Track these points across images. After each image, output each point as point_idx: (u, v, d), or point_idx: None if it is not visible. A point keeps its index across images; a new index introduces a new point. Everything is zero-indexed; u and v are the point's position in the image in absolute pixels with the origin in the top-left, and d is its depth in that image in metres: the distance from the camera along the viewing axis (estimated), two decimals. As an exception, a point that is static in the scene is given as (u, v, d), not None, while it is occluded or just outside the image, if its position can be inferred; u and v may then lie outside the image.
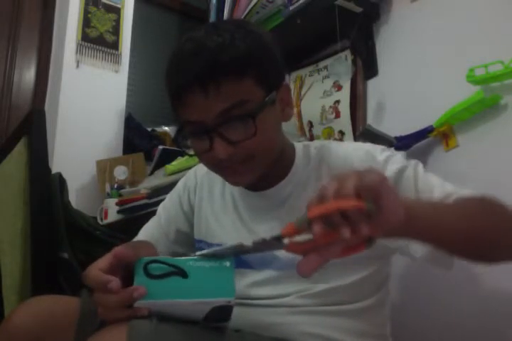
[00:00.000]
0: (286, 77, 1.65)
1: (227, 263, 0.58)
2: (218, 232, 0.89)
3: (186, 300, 0.57)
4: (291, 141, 0.89)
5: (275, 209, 0.83)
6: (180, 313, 0.61)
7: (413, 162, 0.82)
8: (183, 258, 0.60)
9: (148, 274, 0.57)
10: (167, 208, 1.01)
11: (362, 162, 0.80)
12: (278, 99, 0.79)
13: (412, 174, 0.78)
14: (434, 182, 0.77)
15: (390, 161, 0.80)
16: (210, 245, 0.89)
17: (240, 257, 0.78)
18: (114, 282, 0.59)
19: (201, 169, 0.99)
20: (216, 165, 0.79)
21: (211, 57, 0.71)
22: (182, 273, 0.57)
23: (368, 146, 0.85)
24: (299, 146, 0.88)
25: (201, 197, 0.95)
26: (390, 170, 0.78)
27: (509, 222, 0.67)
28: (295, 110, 1.60)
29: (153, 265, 0.57)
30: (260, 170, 0.79)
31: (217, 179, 0.93)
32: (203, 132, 0.74)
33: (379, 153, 0.82)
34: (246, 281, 0.82)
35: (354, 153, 0.82)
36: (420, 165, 0.82)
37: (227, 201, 0.90)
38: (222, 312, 0.60)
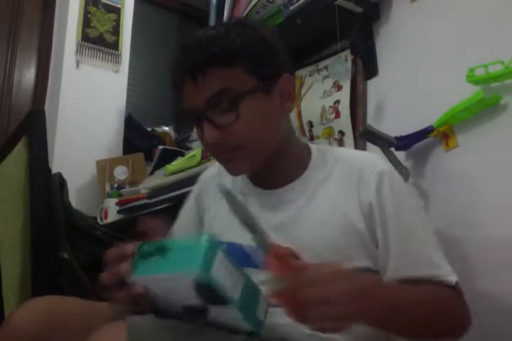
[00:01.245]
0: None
1: (204, 241, 0.61)
2: (227, 231, 0.89)
3: (162, 274, 0.61)
4: (305, 144, 0.90)
5: (282, 208, 0.84)
6: (175, 298, 0.64)
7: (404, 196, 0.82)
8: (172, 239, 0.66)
9: (140, 255, 0.64)
10: (180, 216, 1.02)
11: (360, 174, 0.81)
12: (277, 91, 0.80)
13: (393, 218, 0.78)
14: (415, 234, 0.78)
15: (381, 190, 0.80)
16: None
17: (247, 257, 0.80)
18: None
19: (208, 173, 1.01)
20: (213, 152, 0.83)
21: (201, 47, 0.76)
22: (164, 252, 0.62)
23: (368, 161, 0.85)
24: (315, 150, 0.88)
25: (209, 201, 0.96)
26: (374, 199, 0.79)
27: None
28: (295, 110, 1.60)
29: (145, 246, 0.64)
30: (254, 160, 0.80)
31: (226, 176, 0.93)
32: (194, 118, 0.78)
33: (374, 176, 0.80)
34: None
35: (357, 164, 0.83)
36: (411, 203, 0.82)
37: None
38: (204, 292, 0.62)
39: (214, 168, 1.01)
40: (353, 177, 0.81)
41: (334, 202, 0.81)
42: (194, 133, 2.13)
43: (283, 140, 0.84)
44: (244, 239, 0.79)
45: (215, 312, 0.64)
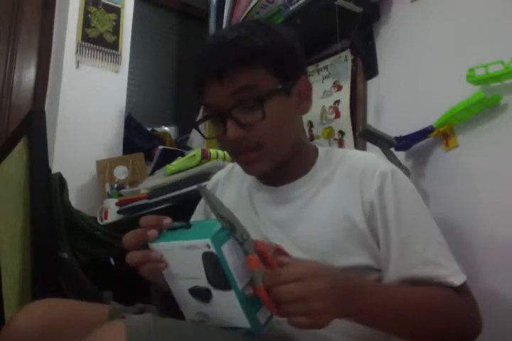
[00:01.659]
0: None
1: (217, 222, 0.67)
2: None
3: (178, 241, 0.67)
4: (313, 144, 0.92)
5: (286, 205, 0.85)
6: (183, 276, 0.69)
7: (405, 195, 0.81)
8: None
9: (168, 228, 0.70)
10: (193, 218, 1.04)
11: (362, 174, 0.81)
12: (295, 92, 0.82)
13: (395, 223, 0.78)
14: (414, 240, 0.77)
15: (383, 193, 0.79)
16: None
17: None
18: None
19: (218, 174, 1.04)
20: (232, 151, 0.84)
21: (226, 48, 0.78)
22: (187, 227, 0.70)
23: (371, 162, 0.85)
24: (322, 150, 0.90)
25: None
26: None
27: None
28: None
29: (175, 223, 0.71)
30: (272, 160, 0.81)
31: (236, 176, 0.97)
32: (218, 115, 0.80)
33: (376, 176, 0.80)
34: None
35: (360, 165, 0.83)
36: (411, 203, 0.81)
37: (243, 196, 0.92)
38: (211, 269, 0.65)
39: (223, 171, 1.03)
40: (355, 178, 0.81)
41: (336, 202, 0.81)
42: (193, 134, 2.13)
43: (296, 140, 0.85)
44: (252, 232, 0.82)
45: (217, 300, 0.66)
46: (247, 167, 0.84)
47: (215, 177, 1.04)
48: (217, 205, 0.66)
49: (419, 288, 0.73)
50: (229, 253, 0.64)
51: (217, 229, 0.65)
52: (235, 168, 1.00)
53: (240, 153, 0.82)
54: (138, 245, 0.69)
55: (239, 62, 0.76)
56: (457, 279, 0.75)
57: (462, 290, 0.76)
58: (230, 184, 0.98)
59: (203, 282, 0.66)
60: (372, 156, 0.89)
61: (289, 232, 0.82)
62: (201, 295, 0.67)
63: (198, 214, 1.01)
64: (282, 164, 0.84)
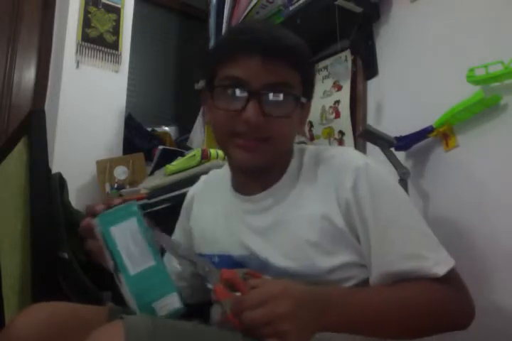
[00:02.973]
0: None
1: (130, 204, 0.70)
2: (209, 242, 0.91)
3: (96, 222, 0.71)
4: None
5: (263, 214, 0.84)
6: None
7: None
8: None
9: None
10: (174, 234, 1.04)
11: (336, 172, 0.80)
12: (305, 110, 0.85)
13: (372, 218, 0.76)
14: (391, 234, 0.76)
15: (356, 190, 0.78)
16: (205, 256, 0.89)
17: (239, 265, 0.82)
18: None
19: (193, 189, 1.03)
20: (234, 132, 0.78)
21: (280, 36, 0.78)
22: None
23: (344, 158, 0.82)
24: (296, 150, 0.88)
25: (195, 214, 0.99)
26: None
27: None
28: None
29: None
30: (270, 157, 0.80)
31: (212, 188, 0.97)
32: (244, 90, 0.76)
33: (350, 172, 0.78)
34: None
35: (333, 162, 0.82)
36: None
37: (221, 207, 0.92)
38: (106, 249, 0.69)
39: (199, 184, 1.04)
40: (329, 176, 0.80)
41: (312, 204, 0.80)
42: (193, 134, 2.13)
43: (288, 148, 0.86)
44: (229, 244, 0.86)
45: (122, 282, 0.68)
46: (244, 153, 0.79)
47: (190, 192, 1.03)
48: (174, 247, 0.69)
49: (400, 287, 0.72)
50: (120, 235, 0.66)
51: (116, 208, 0.68)
52: (210, 179, 1.01)
53: (244, 137, 0.78)
54: (90, 230, 0.72)
55: (288, 55, 0.76)
56: (441, 269, 0.73)
57: (448, 278, 0.73)
58: (207, 196, 0.98)
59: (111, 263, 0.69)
60: (346, 151, 0.85)
61: (269, 240, 0.81)
62: (115, 276, 0.69)
63: (179, 231, 1.03)
64: (256, 171, 0.82)
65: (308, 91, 0.84)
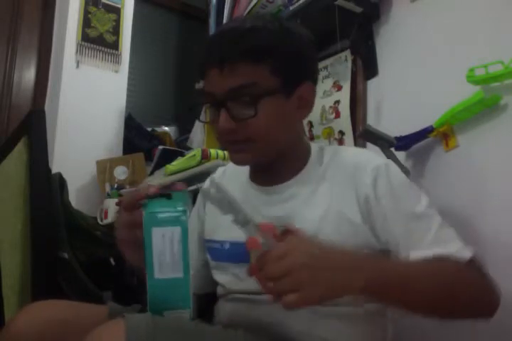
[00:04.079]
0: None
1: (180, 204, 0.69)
2: (224, 228, 0.90)
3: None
4: (308, 143, 0.91)
5: (279, 205, 0.85)
6: None
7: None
8: None
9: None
10: (190, 219, 1.03)
11: (355, 170, 0.82)
12: (296, 95, 0.81)
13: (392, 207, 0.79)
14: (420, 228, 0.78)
15: (377, 185, 0.80)
16: (216, 242, 0.91)
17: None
18: None
19: (212, 176, 1.04)
20: (223, 139, 0.83)
21: (233, 39, 0.78)
22: (169, 196, 0.70)
23: (364, 157, 0.85)
24: (314, 148, 0.89)
25: (206, 207, 0.98)
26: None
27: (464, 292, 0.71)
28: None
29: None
30: (259, 154, 0.82)
31: (229, 178, 0.97)
32: (213, 103, 0.81)
33: (370, 171, 0.81)
34: (228, 275, 0.87)
35: (353, 161, 0.84)
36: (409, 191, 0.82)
37: (237, 197, 0.91)
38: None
39: (218, 173, 1.04)
40: (349, 174, 0.82)
41: (329, 200, 0.81)
42: (193, 134, 2.13)
43: (291, 143, 0.86)
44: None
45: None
46: (233, 155, 0.85)
47: (209, 179, 1.04)
48: (220, 194, 0.70)
49: (431, 260, 0.72)
50: (160, 238, 0.64)
51: (172, 210, 0.65)
52: (228, 169, 1.01)
53: (229, 142, 0.83)
54: (133, 205, 0.70)
55: (243, 56, 0.76)
56: (466, 253, 0.75)
57: (475, 264, 0.75)
58: (225, 183, 0.97)
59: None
60: (365, 152, 0.90)
61: None
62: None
63: (194, 217, 1.01)
64: (272, 164, 0.84)
65: (289, 75, 0.80)
